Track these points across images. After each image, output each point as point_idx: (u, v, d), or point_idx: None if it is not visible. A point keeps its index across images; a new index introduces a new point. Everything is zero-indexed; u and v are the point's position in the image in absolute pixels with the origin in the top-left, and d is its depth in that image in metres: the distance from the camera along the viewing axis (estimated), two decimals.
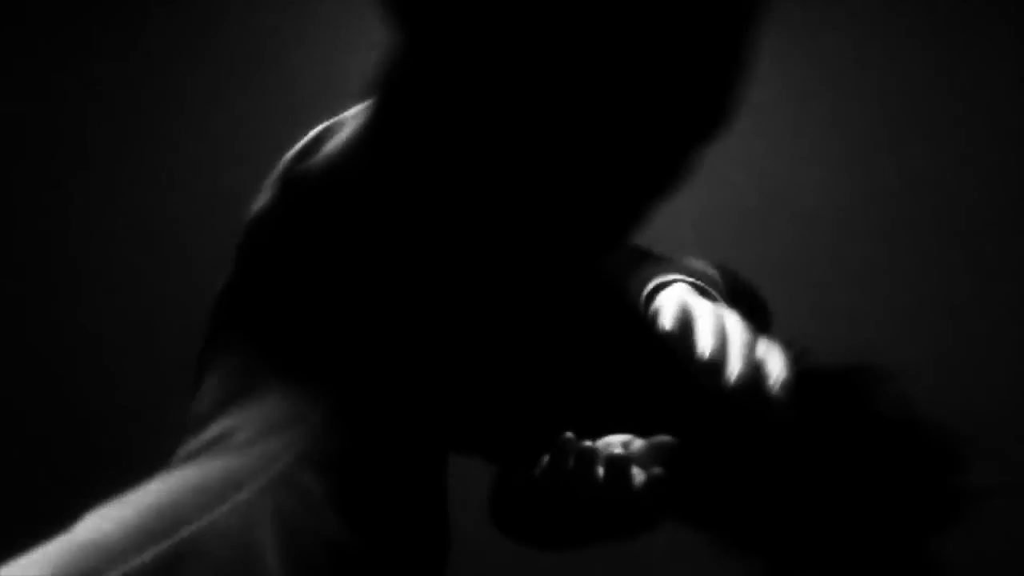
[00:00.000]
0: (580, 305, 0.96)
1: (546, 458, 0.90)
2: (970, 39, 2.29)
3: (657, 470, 0.88)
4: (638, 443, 0.91)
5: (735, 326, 0.87)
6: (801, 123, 2.32)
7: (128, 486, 0.79)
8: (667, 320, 0.87)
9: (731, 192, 2.29)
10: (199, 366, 0.88)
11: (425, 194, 0.78)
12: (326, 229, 0.83)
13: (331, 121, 0.88)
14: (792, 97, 2.32)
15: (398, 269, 0.81)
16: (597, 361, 0.97)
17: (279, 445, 0.79)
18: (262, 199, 0.88)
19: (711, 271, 0.97)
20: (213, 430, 0.81)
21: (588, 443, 0.89)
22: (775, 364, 0.86)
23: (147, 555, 0.71)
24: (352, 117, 0.85)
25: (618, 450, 0.89)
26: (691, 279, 0.94)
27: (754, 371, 0.84)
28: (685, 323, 0.87)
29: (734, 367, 0.84)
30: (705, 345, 0.85)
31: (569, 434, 0.89)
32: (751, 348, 0.85)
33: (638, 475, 0.88)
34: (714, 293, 0.94)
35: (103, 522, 0.74)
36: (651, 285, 0.93)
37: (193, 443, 0.81)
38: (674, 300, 0.89)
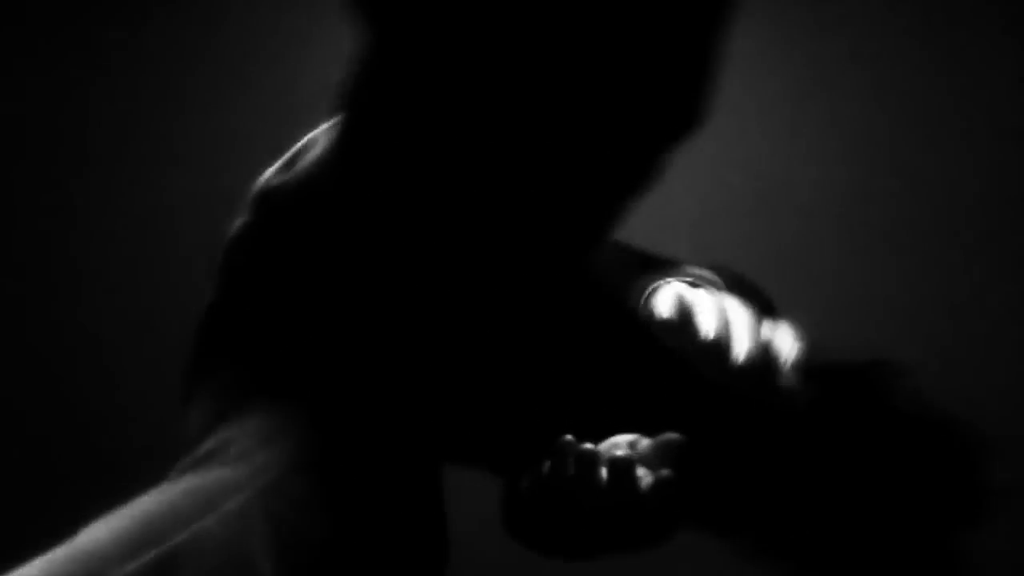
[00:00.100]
0: (574, 308, 0.94)
1: (546, 464, 0.85)
2: (967, 37, 2.29)
3: (665, 471, 0.82)
4: (645, 443, 0.86)
5: (737, 308, 0.84)
6: (799, 123, 2.32)
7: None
8: (664, 309, 0.84)
9: (729, 193, 2.29)
10: (187, 385, 0.88)
11: (399, 200, 0.78)
12: (302, 242, 0.83)
13: (305, 139, 0.89)
14: (790, 97, 2.32)
15: (377, 278, 0.82)
16: (594, 362, 0.94)
17: (272, 455, 0.79)
18: (239, 220, 0.88)
19: (710, 274, 0.96)
20: (207, 445, 0.81)
21: (589, 445, 0.83)
22: (784, 342, 0.82)
23: (139, 562, 0.72)
24: (324, 132, 0.85)
25: (621, 451, 0.83)
26: (689, 279, 0.93)
27: (762, 350, 0.81)
28: (684, 312, 0.83)
29: (740, 346, 0.81)
30: (708, 327, 0.82)
31: (569, 437, 0.84)
32: (756, 328, 0.82)
33: (645, 477, 0.83)
34: (713, 289, 0.92)
35: (98, 532, 0.74)
36: (650, 288, 0.92)
37: (187, 460, 0.82)
38: (671, 292, 0.87)
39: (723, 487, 0.90)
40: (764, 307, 0.97)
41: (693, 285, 0.90)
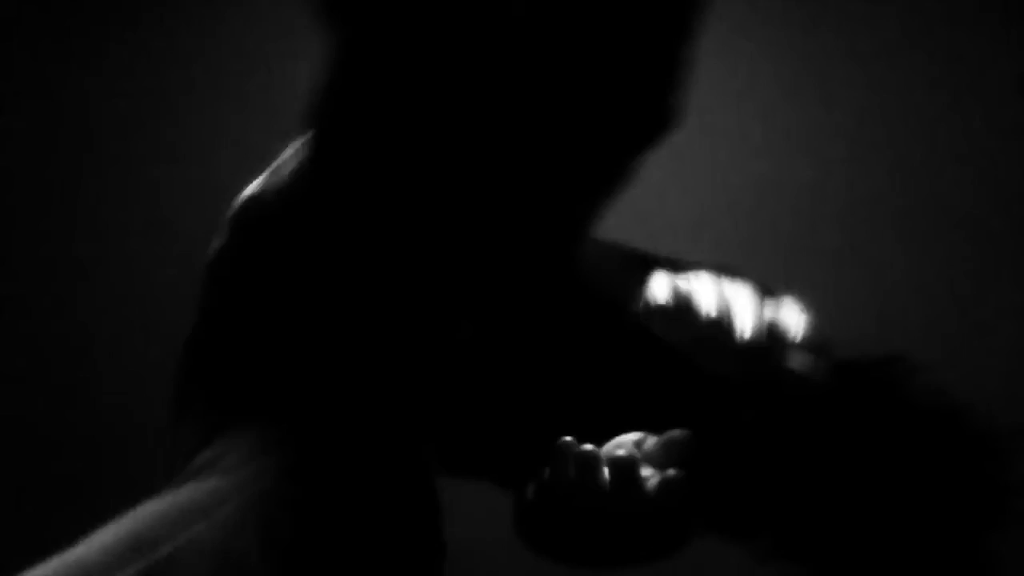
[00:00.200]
0: (568, 310, 0.91)
1: (547, 469, 0.80)
2: (964, 35, 2.29)
3: (672, 470, 0.78)
4: (651, 441, 0.81)
5: (737, 288, 0.81)
6: (798, 122, 2.32)
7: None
8: (661, 296, 0.80)
9: (728, 195, 2.29)
10: (176, 405, 0.88)
11: (374, 205, 0.78)
12: (281, 252, 0.83)
13: (280, 159, 0.89)
14: (788, 96, 2.32)
15: (358, 283, 0.81)
16: (593, 363, 0.91)
17: (264, 463, 0.79)
18: (217, 240, 0.89)
19: (709, 266, 0.93)
20: (198, 461, 0.81)
21: (588, 446, 0.79)
22: (789, 319, 0.78)
23: (132, 569, 0.72)
24: (299, 146, 0.86)
25: (621, 451, 0.79)
26: (687, 270, 0.90)
27: (767, 328, 0.77)
28: (682, 297, 0.80)
29: (743, 325, 0.77)
30: (708, 308, 0.78)
31: (567, 438, 0.79)
32: (759, 305, 0.79)
33: (652, 478, 0.78)
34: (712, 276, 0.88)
35: (92, 542, 0.74)
36: (648, 282, 0.89)
37: (180, 477, 0.82)
38: (668, 279, 0.84)
39: (736, 485, 0.84)
40: (765, 291, 0.93)
41: (690, 275, 0.87)
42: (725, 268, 0.97)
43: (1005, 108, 2.26)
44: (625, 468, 0.78)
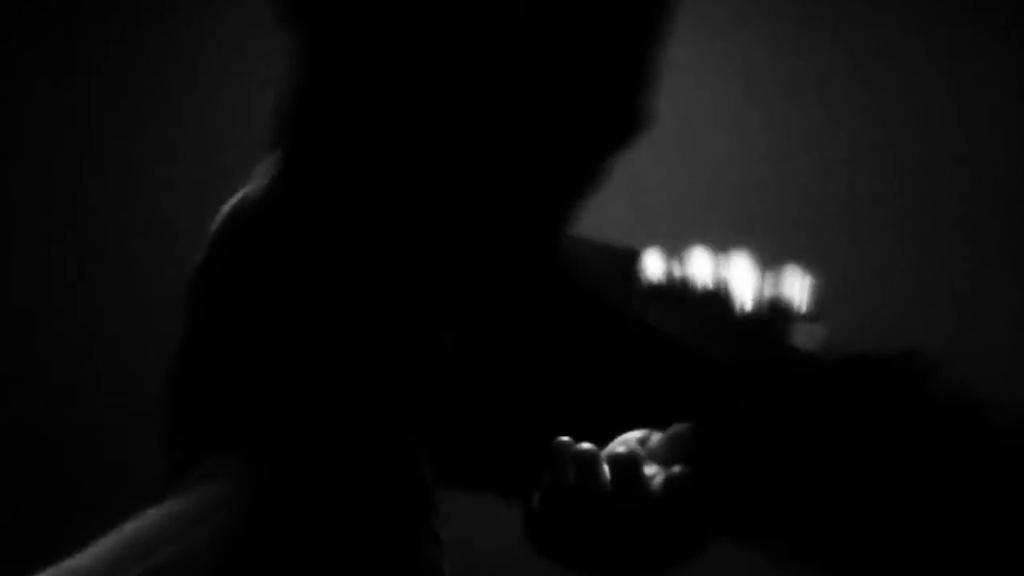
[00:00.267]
0: (560, 311, 0.88)
1: (546, 472, 0.77)
2: (964, 35, 2.29)
3: (678, 468, 0.74)
4: (655, 438, 0.77)
5: (736, 260, 0.78)
6: (796, 121, 2.32)
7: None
8: (654, 275, 0.78)
9: (727, 196, 2.28)
10: (171, 423, 0.88)
11: (349, 207, 0.78)
12: (259, 264, 0.83)
13: (259, 168, 0.89)
14: (788, 96, 2.32)
15: (339, 292, 0.81)
16: (592, 364, 0.87)
17: (258, 471, 0.79)
18: (200, 253, 0.89)
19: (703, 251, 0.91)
20: (198, 471, 0.81)
21: (587, 445, 0.75)
22: (792, 289, 0.75)
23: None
24: (275, 158, 0.85)
25: (622, 448, 0.75)
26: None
27: (768, 300, 0.74)
28: (676, 283, 0.77)
29: (744, 296, 0.74)
30: (705, 287, 0.75)
31: (564, 438, 0.75)
32: (759, 277, 0.76)
33: (657, 477, 0.75)
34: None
35: (86, 553, 0.74)
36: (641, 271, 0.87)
37: (179, 487, 0.82)
38: (659, 267, 0.81)
39: (742, 479, 0.79)
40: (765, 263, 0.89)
41: (684, 258, 0.85)
42: (722, 246, 0.94)
43: (1005, 108, 2.26)
44: (626, 465, 0.75)
